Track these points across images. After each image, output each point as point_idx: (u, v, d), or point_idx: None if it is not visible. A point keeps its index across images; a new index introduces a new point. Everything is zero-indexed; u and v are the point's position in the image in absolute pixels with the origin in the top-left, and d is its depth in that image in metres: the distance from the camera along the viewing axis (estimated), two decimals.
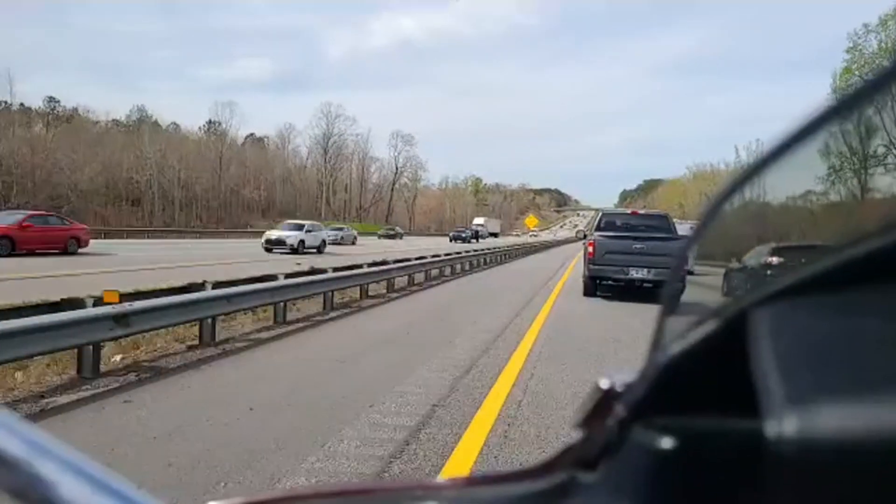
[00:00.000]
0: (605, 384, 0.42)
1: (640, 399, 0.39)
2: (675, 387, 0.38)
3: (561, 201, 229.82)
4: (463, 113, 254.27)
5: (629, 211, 13.83)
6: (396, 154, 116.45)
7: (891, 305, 0.33)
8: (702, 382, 0.37)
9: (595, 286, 11.52)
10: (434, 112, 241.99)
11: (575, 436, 0.43)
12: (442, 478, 0.53)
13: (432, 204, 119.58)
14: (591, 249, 11.64)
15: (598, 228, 12.00)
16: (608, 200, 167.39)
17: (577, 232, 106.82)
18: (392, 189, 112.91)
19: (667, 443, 0.36)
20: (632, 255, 10.69)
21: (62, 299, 4.86)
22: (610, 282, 11.10)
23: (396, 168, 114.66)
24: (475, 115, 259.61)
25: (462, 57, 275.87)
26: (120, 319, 4.55)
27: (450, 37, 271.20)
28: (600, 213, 12.93)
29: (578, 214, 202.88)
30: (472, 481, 0.48)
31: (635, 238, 10.85)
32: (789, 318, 0.34)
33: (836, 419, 0.28)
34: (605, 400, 0.41)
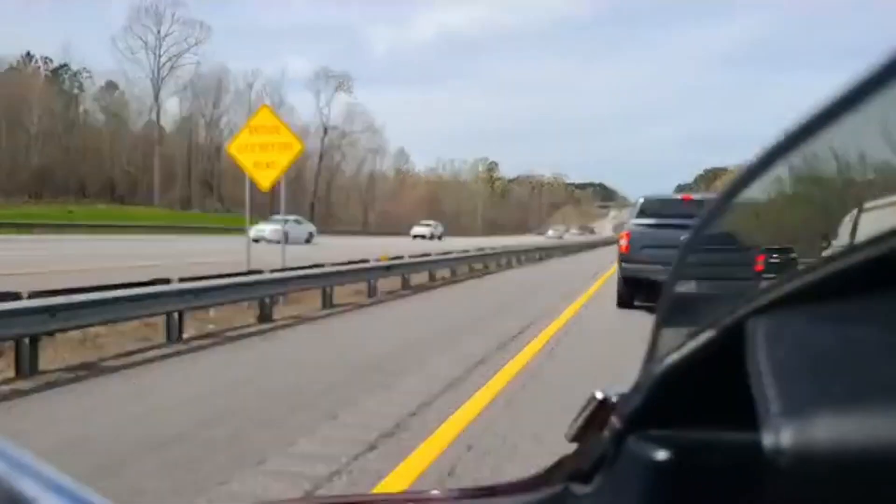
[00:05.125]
0: (599, 395, 0.45)
1: (636, 411, 0.42)
2: (670, 398, 0.41)
3: (606, 196, 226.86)
4: (502, 109, 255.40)
5: (680, 196, 11.84)
6: (324, 105, 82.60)
7: (887, 315, 0.36)
8: (697, 393, 0.41)
9: (632, 293, 9.77)
10: (472, 109, 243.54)
11: (569, 448, 0.47)
12: (436, 490, 0.54)
13: (421, 193, 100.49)
14: (623, 243, 9.82)
15: (637, 216, 10.18)
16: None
17: (616, 227, 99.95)
18: (320, 162, 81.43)
19: (662, 454, 0.38)
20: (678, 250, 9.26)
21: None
22: (649, 286, 9.03)
23: (325, 128, 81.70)
24: (514, 110, 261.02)
25: (503, 50, 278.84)
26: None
27: (492, 29, 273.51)
28: (640, 200, 10.94)
29: (623, 210, 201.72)
30: (466, 493, 0.52)
31: (685, 228, 9.42)
32: (785, 327, 0.37)
33: (833, 430, 0.30)
34: (600, 412, 0.45)
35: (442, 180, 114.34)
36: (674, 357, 0.42)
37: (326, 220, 72.37)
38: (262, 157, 10.79)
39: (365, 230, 69.01)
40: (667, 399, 0.41)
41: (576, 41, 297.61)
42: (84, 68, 69.96)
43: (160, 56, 66.44)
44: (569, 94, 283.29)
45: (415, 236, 49.25)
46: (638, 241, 9.55)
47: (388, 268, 11.76)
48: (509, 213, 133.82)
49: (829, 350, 0.35)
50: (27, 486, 0.36)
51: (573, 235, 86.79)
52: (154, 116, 67.68)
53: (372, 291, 11.15)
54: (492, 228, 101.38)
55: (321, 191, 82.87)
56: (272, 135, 10.70)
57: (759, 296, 0.40)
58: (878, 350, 0.34)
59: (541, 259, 27.29)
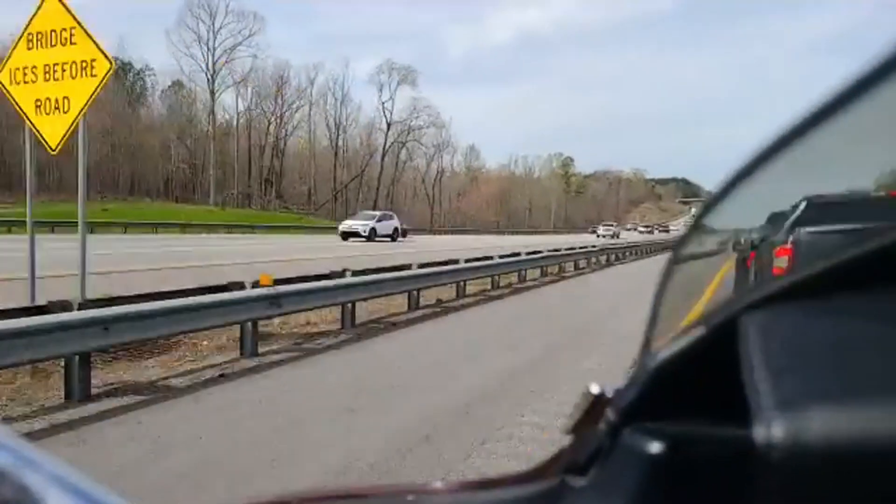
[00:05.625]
0: (595, 389, 0.46)
1: (631, 404, 0.43)
2: (665, 391, 0.42)
3: (688, 192, 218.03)
4: (581, 106, 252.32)
5: (883, 193, 7.66)
6: (386, 101, 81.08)
7: (880, 309, 0.37)
8: (692, 387, 0.42)
9: None
10: (547, 106, 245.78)
11: (566, 441, 0.48)
12: (436, 482, 0.56)
13: (492, 190, 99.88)
14: (784, 263, 6.71)
15: (799, 224, 7.23)
16: None
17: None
18: (383, 157, 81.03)
19: (657, 447, 0.39)
20: None
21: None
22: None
23: (388, 122, 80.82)
24: (594, 106, 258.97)
25: (583, 47, 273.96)
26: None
27: (571, 26, 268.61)
28: (803, 202, 6.59)
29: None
30: (466, 485, 0.53)
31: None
32: (779, 322, 0.38)
33: (826, 424, 0.31)
34: (596, 405, 0.45)
35: (514, 176, 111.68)
36: (669, 351, 0.42)
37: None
38: (47, 91, 6.39)
39: (432, 229, 65.13)
40: (662, 393, 0.42)
41: (659, 35, 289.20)
42: (147, 66, 69.46)
43: (214, 49, 65.58)
44: (648, 89, 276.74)
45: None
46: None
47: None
48: (585, 209, 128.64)
49: (822, 344, 0.36)
50: (34, 481, 0.36)
51: (640, 234, 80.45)
52: (210, 112, 66.04)
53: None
54: (564, 224, 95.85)
55: (387, 188, 79.38)
56: (65, 49, 6.28)
57: (753, 291, 0.41)
58: (872, 344, 0.35)
59: (586, 268, 20.81)
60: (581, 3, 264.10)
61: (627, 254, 28.38)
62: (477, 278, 12.26)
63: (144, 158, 62.22)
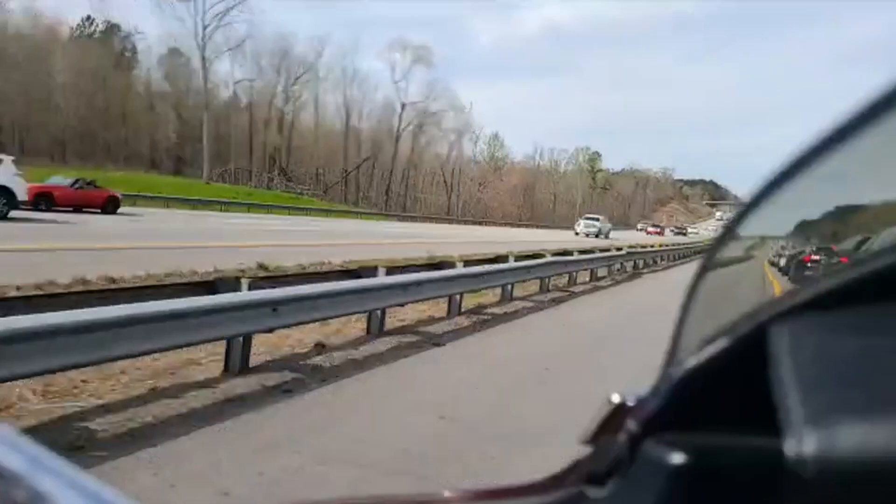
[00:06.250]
0: (616, 399, 0.46)
1: (653, 414, 0.42)
2: (688, 402, 0.42)
3: (716, 195, 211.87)
4: (610, 105, 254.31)
5: None
6: (399, 80, 75.10)
7: None
8: (716, 398, 0.41)
9: None
10: (576, 102, 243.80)
11: (584, 450, 0.47)
12: (448, 491, 0.54)
13: (515, 181, 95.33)
14: None
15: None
16: None
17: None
18: (396, 139, 75.08)
19: (679, 459, 0.39)
20: None
21: None
22: None
23: (402, 103, 75.10)
24: (623, 107, 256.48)
25: (614, 46, 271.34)
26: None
27: (601, 24, 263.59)
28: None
29: (734, 210, 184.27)
30: (479, 495, 0.52)
31: None
32: (807, 333, 0.38)
33: (858, 438, 0.31)
34: (616, 415, 0.45)
35: (538, 169, 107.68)
36: (693, 361, 0.42)
37: (407, 207, 62.17)
38: None
39: (448, 217, 58.32)
40: (685, 403, 0.42)
41: (691, 38, 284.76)
42: (136, 28, 63.50)
43: (205, 13, 60.49)
44: (681, 90, 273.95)
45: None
46: None
47: None
48: (610, 206, 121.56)
49: (852, 357, 0.36)
50: (47, 484, 0.37)
51: (649, 234, 66.24)
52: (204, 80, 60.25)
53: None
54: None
55: (401, 174, 72.31)
56: None
57: (779, 301, 0.41)
58: None
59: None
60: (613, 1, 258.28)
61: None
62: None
63: (136, 128, 55.99)
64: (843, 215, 0.47)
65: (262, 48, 65.62)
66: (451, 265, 9.56)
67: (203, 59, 61.54)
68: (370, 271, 7.48)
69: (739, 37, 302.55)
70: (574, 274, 13.78)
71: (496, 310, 9.44)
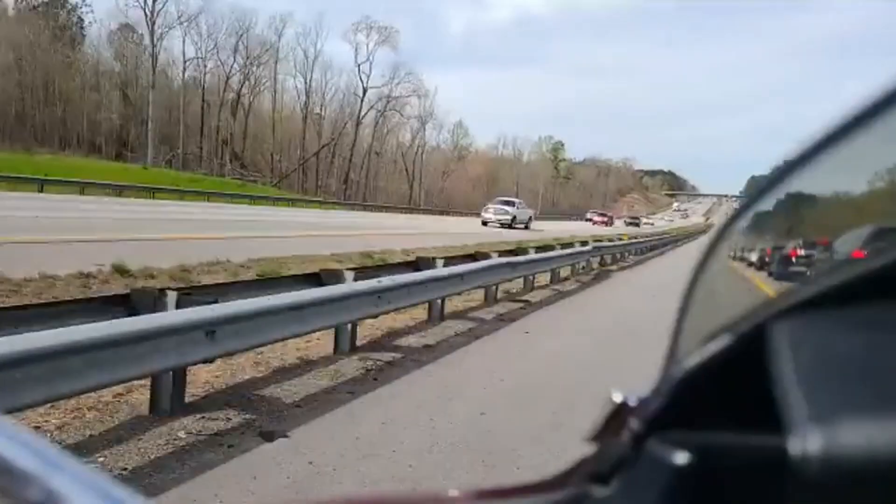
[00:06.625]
0: (618, 397, 0.46)
1: (656, 413, 0.42)
2: (691, 401, 0.42)
3: (674, 185, 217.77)
4: (573, 94, 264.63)
5: None
6: (362, 63, 72.89)
7: None
8: (718, 396, 0.41)
9: None
10: (542, 91, 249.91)
11: (588, 449, 0.47)
12: (453, 490, 0.52)
13: (479, 170, 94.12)
14: None
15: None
16: (732, 186, 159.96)
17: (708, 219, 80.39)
18: (357, 125, 72.96)
19: (683, 457, 0.39)
20: None
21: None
22: None
23: (364, 87, 73.46)
24: (586, 96, 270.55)
25: (581, 36, 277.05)
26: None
27: (571, 12, 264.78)
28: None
29: (692, 200, 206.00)
30: (484, 494, 0.53)
31: None
32: (809, 331, 0.38)
33: (862, 436, 0.31)
34: (619, 413, 0.45)
35: (502, 158, 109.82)
36: (694, 359, 0.42)
37: (365, 196, 60.45)
38: None
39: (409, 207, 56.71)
40: (687, 402, 0.42)
41: (653, 29, 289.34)
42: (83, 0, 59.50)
43: None
44: (642, 80, 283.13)
45: None
46: None
47: None
48: (572, 195, 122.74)
49: (854, 355, 0.36)
50: (61, 484, 0.36)
51: (594, 225, 59.83)
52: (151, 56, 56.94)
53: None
54: (552, 210, 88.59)
55: (361, 161, 70.37)
56: None
57: (780, 299, 0.41)
58: None
59: None
60: None
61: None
62: None
63: (74, 107, 52.88)
64: (826, 210, 0.47)
65: (219, 26, 62.95)
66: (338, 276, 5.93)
67: (151, 33, 58.63)
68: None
69: (701, 28, 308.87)
70: (531, 277, 11.18)
71: (412, 340, 6.58)
